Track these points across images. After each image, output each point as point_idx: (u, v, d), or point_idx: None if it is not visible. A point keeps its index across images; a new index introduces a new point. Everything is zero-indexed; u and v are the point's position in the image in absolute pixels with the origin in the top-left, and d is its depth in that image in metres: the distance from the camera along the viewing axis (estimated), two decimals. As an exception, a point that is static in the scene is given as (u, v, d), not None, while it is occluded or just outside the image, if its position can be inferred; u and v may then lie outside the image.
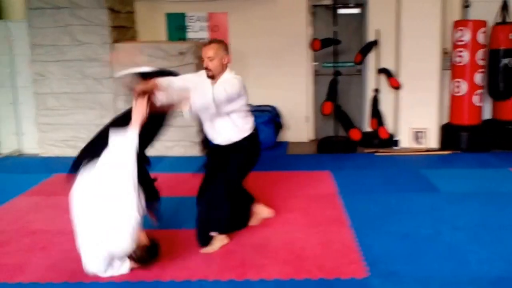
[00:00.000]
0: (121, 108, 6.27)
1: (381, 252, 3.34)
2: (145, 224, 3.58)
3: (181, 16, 6.98)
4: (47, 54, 6.28)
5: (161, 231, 3.72)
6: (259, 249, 3.40)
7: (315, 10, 7.00)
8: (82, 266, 3.17)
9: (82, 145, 6.22)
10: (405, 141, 6.52)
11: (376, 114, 6.60)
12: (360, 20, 6.99)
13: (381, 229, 3.75)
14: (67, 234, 3.69)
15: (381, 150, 6.33)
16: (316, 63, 7.07)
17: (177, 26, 7.00)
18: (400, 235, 3.64)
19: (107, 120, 6.23)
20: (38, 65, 6.32)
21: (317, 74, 7.10)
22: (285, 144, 6.90)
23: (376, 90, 6.67)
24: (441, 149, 6.39)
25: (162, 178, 5.16)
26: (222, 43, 3.53)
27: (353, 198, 4.45)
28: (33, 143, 6.54)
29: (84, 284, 2.98)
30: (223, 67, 3.48)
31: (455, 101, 6.38)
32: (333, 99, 6.38)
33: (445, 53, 6.48)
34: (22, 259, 3.34)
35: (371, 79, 6.79)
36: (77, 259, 3.27)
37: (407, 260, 3.22)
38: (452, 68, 6.38)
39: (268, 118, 6.52)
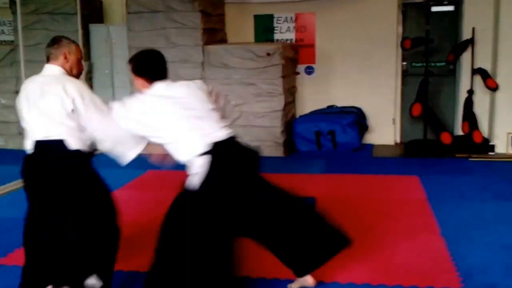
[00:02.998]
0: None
1: (476, 263, 3.20)
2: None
3: (269, 18, 7.08)
4: (143, 56, 6.62)
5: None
6: (347, 252, 3.39)
7: (406, 8, 6.83)
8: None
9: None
10: (502, 147, 6.20)
11: (470, 117, 6.31)
12: (454, 18, 6.71)
13: (476, 238, 3.58)
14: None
15: (474, 155, 6.06)
16: (405, 63, 6.90)
17: (264, 28, 7.12)
18: (498, 246, 3.45)
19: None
20: (135, 66, 6.68)
21: (406, 74, 6.92)
22: (370, 146, 6.79)
23: (470, 92, 6.38)
24: (541, 155, 6.00)
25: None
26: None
27: (443, 205, 4.29)
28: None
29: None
30: None
31: (559, 104, 5.95)
32: (423, 100, 6.19)
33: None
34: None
35: (465, 80, 6.50)
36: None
37: (507, 272, 3.06)
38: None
39: (353, 119, 6.46)
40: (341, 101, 6.95)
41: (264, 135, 6.36)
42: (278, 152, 6.36)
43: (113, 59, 6.91)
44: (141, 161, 6.21)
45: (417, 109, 6.13)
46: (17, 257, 3.35)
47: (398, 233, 3.73)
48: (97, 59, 6.94)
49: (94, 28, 6.91)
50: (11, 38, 6.94)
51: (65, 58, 2.82)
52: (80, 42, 6.55)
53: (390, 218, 4.04)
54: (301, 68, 7.10)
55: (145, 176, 5.58)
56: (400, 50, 6.56)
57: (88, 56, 6.87)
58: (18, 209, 4.44)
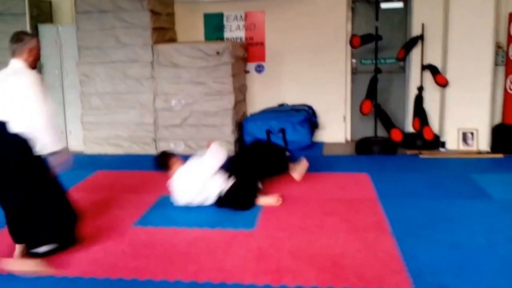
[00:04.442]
0: (160, 107, 6.40)
1: (427, 263, 3.18)
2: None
3: (219, 16, 7.02)
4: (92, 56, 6.46)
5: (196, 231, 3.78)
6: (296, 253, 3.37)
7: (355, 5, 6.88)
8: (122, 262, 3.27)
9: (123, 143, 6.51)
10: (452, 143, 6.31)
11: (420, 113, 6.41)
12: (403, 14, 6.81)
13: (427, 237, 3.58)
14: (109, 231, 3.81)
15: (425, 152, 6.15)
16: (355, 60, 6.95)
17: (214, 26, 7.05)
18: (449, 245, 3.44)
19: (147, 119, 6.43)
20: (84, 66, 6.50)
21: (356, 71, 6.98)
22: (320, 144, 6.82)
23: (420, 88, 6.48)
24: (492, 151, 6.13)
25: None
26: None
27: (394, 203, 4.32)
28: (78, 140, 6.74)
29: (124, 281, 3.04)
30: None
31: (510, 100, 6.10)
32: (373, 97, 6.24)
33: (498, 47, 6.22)
34: (67, 254, 3.43)
35: (415, 77, 6.61)
36: (117, 255, 3.39)
37: (457, 272, 3.04)
38: (507, 64, 6.12)
39: (303, 118, 6.46)
40: (292, 99, 6.95)
41: (215, 134, 6.30)
42: (230, 151, 6.29)
43: (63, 60, 6.71)
44: (92, 162, 6.04)
45: (367, 107, 6.17)
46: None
47: (347, 232, 3.73)
48: (47, 60, 6.71)
49: (43, 28, 6.68)
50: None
51: (29, 53, 3.27)
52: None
53: (339, 217, 4.04)
54: (251, 66, 7.07)
55: (94, 177, 5.44)
56: (350, 47, 6.60)
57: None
58: None
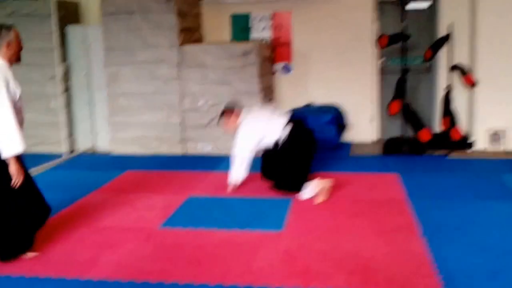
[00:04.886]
0: (186, 108, 6.45)
1: (458, 266, 3.12)
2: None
3: (246, 17, 7.01)
4: (120, 57, 6.53)
5: (223, 232, 3.78)
6: (324, 256, 3.35)
7: (381, 6, 6.80)
8: (148, 264, 3.28)
9: (151, 144, 6.57)
10: (481, 143, 6.20)
11: (448, 113, 6.30)
12: (430, 14, 6.71)
13: (457, 240, 3.52)
14: (135, 232, 3.84)
15: (453, 153, 6.05)
16: (383, 60, 6.87)
17: (241, 27, 7.05)
18: (480, 247, 3.38)
19: (174, 119, 6.48)
20: (111, 67, 6.58)
21: (383, 71, 6.90)
22: (348, 145, 6.76)
23: (449, 88, 6.37)
24: (523, 152, 6.01)
25: (224, 178, 5.25)
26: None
27: (423, 204, 4.26)
28: (106, 141, 6.84)
29: (150, 284, 3.04)
30: None
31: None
32: (401, 97, 6.17)
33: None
34: (92, 256, 3.46)
35: (443, 77, 6.50)
36: (143, 257, 3.40)
37: (489, 276, 2.98)
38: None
39: (330, 118, 6.42)
40: (319, 99, 6.91)
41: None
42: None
43: (90, 60, 6.79)
44: (120, 162, 6.12)
45: (395, 107, 6.11)
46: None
47: (376, 234, 3.68)
48: (74, 60, 6.82)
49: (71, 29, 6.78)
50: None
51: (8, 47, 3.12)
52: (56, 44, 6.43)
53: (368, 218, 4.00)
54: (278, 66, 7.04)
55: (122, 177, 5.50)
56: (376, 47, 6.52)
57: (65, 58, 6.75)
58: None
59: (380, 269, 3.12)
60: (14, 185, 3.18)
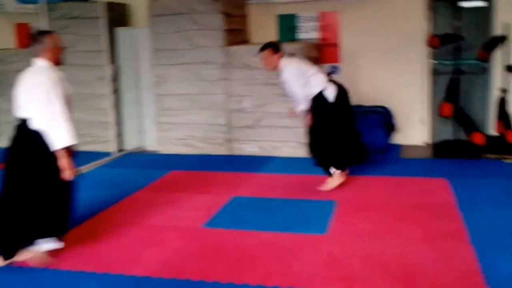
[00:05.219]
0: (232, 109, 6.47)
1: (508, 275, 2.97)
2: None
3: (292, 17, 6.96)
4: (167, 58, 6.63)
5: (266, 234, 3.75)
6: (368, 261, 3.26)
7: (434, 5, 6.58)
8: (190, 263, 3.28)
9: (197, 144, 6.65)
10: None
11: (504, 116, 6.02)
12: (486, 14, 6.43)
13: (509, 248, 3.35)
14: (179, 231, 3.87)
15: (508, 157, 5.77)
16: (435, 61, 6.65)
17: (288, 27, 7.00)
18: (535, 258, 3.20)
19: (220, 120, 6.52)
20: (158, 68, 6.69)
21: (435, 72, 6.67)
22: (398, 147, 6.58)
23: (504, 90, 6.09)
24: None
25: (268, 179, 5.25)
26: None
27: (474, 211, 4.08)
28: (153, 140, 6.95)
29: (191, 283, 3.06)
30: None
31: None
32: (453, 99, 5.95)
33: None
34: (137, 253, 3.52)
35: (498, 78, 6.22)
36: (185, 256, 3.42)
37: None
38: None
39: (379, 120, 6.28)
40: (367, 101, 6.76)
41: (287, 135, 6.28)
42: (302, 153, 6.24)
43: (138, 61, 6.93)
44: (166, 161, 6.22)
45: (446, 109, 5.90)
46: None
47: (423, 240, 3.56)
48: (123, 62, 6.97)
49: (120, 31, 6.94)
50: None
51: (51, 51, 3.34)
52: (105, 46, 6.60)
53: (415, 224, 3.87)
54: (325, 67, 6.95)
55: (168, 176, 5.56)
56: (428, 47, 6.31)
57: (114, 59, 6.91)
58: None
59: (426, 276, 3.01)
60: (62, 178, 3.29)
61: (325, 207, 4.32)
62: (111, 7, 6.82)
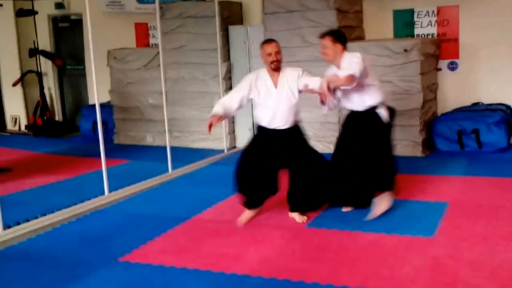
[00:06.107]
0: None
1: None
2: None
3: (409, 12, 6.71)
4: (279, 55, 6.70)
5: (370, 235, 3.68)
6: (476, 266, 3.07)
7: None
8: (291, 263, 3.30)
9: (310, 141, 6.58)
10: None
11: None
12: None
13: None
14: (283, 230, 3.89)
15: None
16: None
17: (404, 23, 6.76)
18: None
19: (331, 118, 6.44)
20: (270, 66, 6.79)
21: None
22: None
23: None
24: None
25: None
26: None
27: None
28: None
29: (290, 282, 3.05)
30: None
31: None
32: None
33: None
34: (239, 250, 3.57)
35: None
36: (286, 255, 3.44)
37: None
38: None
39: (500, 118, 5.86)
40: (488, 98, 6.32)
41: (401, 134, 6.04)
42: (416, 151, 6.07)
43: (251, 59, 7.09)
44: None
45: None
46: (141, 254, 3.58)
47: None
48: (236, 60, 7.17)
49: (233, 30, 7.14)
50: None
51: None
52: (219, 44, 6.85)
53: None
54: (443, 63, 6.61)
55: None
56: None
57: (228, 57, 7.15)
58: (152, 206, 4.80)
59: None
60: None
61: (435, 209, 4.14)
62: (225, 5, 7.01)
